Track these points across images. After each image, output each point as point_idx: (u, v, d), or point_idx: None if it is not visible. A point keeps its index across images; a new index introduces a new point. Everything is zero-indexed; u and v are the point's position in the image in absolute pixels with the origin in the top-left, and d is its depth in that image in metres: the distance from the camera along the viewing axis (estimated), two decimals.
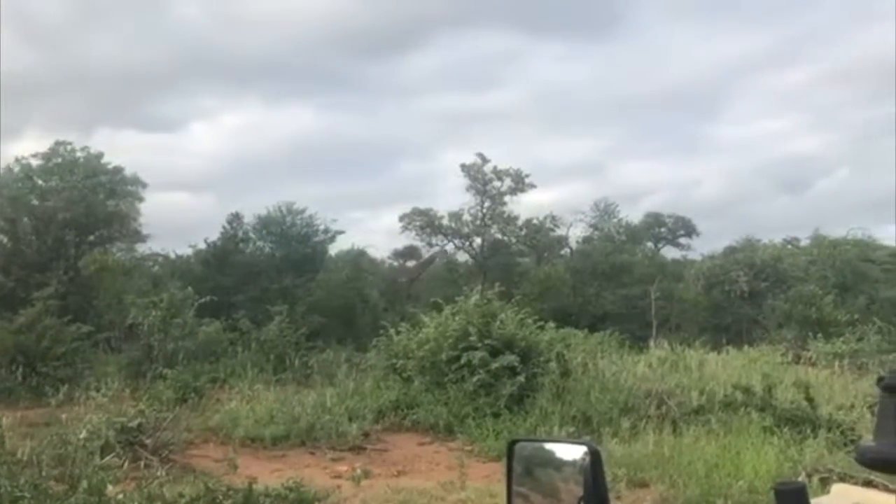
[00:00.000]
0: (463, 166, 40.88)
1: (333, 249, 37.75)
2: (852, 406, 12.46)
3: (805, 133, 64.24)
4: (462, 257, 43.33)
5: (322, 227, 35.96)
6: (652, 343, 22.66)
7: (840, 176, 61.77)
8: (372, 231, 65.25)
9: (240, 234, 34.26)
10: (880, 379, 2.29)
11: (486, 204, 41.38)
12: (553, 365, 14.67)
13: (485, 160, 40.86)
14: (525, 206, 42.64)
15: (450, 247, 42.46)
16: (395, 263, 52.35)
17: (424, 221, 40.78)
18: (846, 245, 37.81)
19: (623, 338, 23.54)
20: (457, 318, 15.23)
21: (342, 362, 19.59)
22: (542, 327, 17.21)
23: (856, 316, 26.64)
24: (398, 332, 16.67)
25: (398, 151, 63.03)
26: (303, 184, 59.09)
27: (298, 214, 35.72)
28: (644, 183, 65.31)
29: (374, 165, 61.76)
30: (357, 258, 36.53)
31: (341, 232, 36.66)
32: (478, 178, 40.67)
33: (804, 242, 42.84)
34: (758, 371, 15.95)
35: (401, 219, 41.06)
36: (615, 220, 47.64)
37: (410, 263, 48.07)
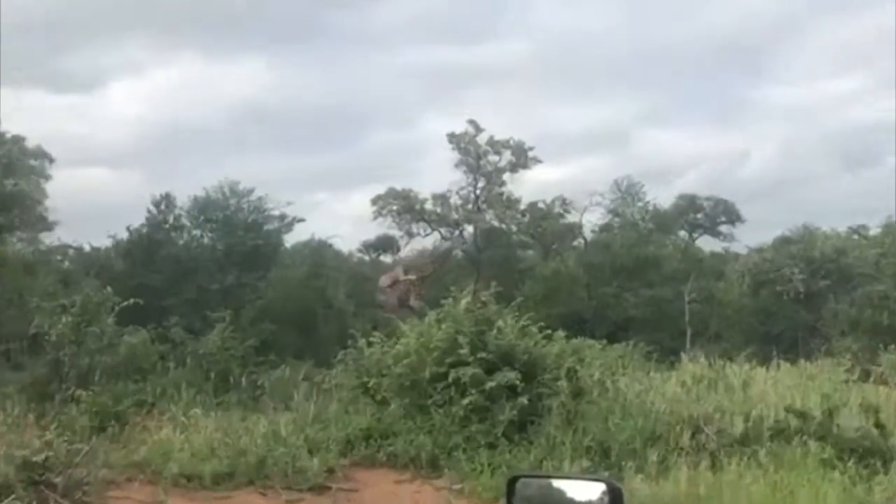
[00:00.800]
0: (451, 137, 40.90)
1: (290, 240, 37.76)
2: None
3: (877, 95, 64.80)
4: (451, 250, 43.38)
5: (275, 213, 35.95)
6: (685, 356, 22.74)
7: None
8: (338, 217, 65.30)
9: (171, 220, 34.14)
10: None
11: (480, 184, 41.43)
12: (563, 384, 14.69)
13: (478, 129, 40.89)
14: (529, 186, 42.77)
15: (435, 237, 42.46)
16: (367, 257, 52.41)
17: (403, 206, 40.77)
18: None
19: (650, 350, 23.71)
20: (443, 326, 15.23)
21: (300, 381, 19.54)
22: (549, 337, 17.17)
23: None
24: (370, 344, 16.65)
25: (370, 118, 63.14)
26: (251, 158, 59.01)
27: (245, 196, 35.64)
28: (677, 158, 65.62)
29: (339, 135, 61.83)
30: (319, 251, 36.53)
31: (300, 219, 36.67)
32: (469, 151, 40.71)
33: (874, 231, 43.18)
34: (816, 391, 16.06)
35: (374, 202, 41.06)
36: (640, 203, 47.88)
37: (386, 258, 48.09)
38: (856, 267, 35.28)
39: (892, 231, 39.66)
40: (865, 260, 36.03)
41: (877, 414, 12.65)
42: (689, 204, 54.04)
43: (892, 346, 23.27)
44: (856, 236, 44.22)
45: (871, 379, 20.29)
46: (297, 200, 48.50)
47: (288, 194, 51.27)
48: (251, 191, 35.57)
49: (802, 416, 12.78)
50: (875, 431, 12.25)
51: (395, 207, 40.88)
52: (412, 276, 29.42)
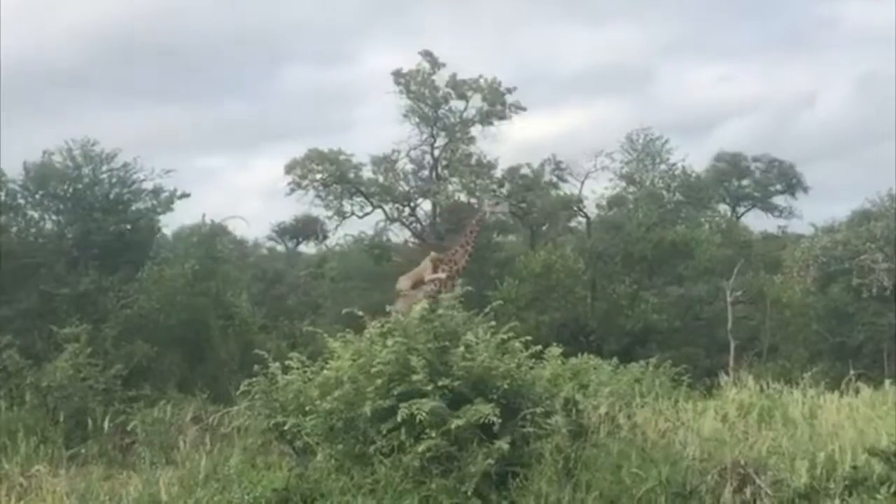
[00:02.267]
0: (397, 75, 40.87)
1: (170, 225, 37.35)
2: None
3: None
4: (399, 235, 43.47)
5: (149, 185, 35.57)
6: (728, 379, 22.98)
7: None
8: (240, 191, 65.12)
9: None
10: None
11: (440, 142, 41.53)
12: (558, 420, 14.76)
13: (435, 64, 40.95)
14: (509, 144, 43.05)
15: (376, 217, 42.48)
16: (282, 247, 52.33)
17: (331, 173, 40.69)
18: None
19: (679, 371, 23.82)
20: (389, 343, 15.19)
21: (188, 423, 19.46)
22: (539, 355, 17.23)
23: None
24: (286, 370, 16.56)
25: (284, 50, 62.99)
26: (112, 109, 58.36)
27: (105, 163, 35.15)
28: (716, 102, 66.03)
29: (241, 75, 61.35)
30: (213, 239, 36.24)
31: (184, 194, 36.30)
32: (423, 95, 40.72)
33: None
34: None
35: (289, 169, 40.95)
36: (664, 166, 48.41)
37: (308, 247, 48.00)
38: None
39: None
40: None
41: None
42: (732, 167, 54.73)
43: None
44: None
45: None
46: (180, 168, 48.33)
47: (167, 159, 51.10)
48: (113, 155, 35.03)
49: (891, 459, 12.96)
50: None
51: (319, 176, 40.78)
52: (442, 274, 29.00)
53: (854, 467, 13.19)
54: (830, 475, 13.14)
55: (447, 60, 40.90)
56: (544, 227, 45.90)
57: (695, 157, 50.51)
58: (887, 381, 21.69)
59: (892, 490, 12.33)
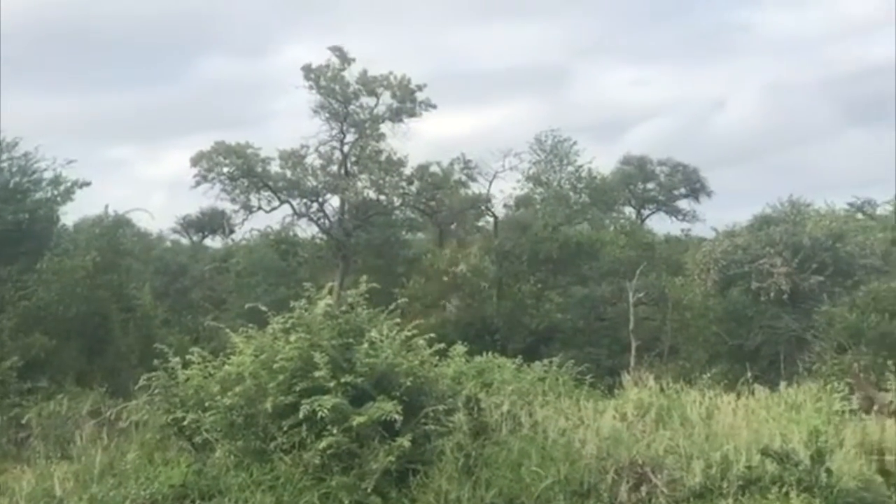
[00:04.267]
0: (307, 70, 40.62)
1: (71, 215, 36.72)
2: None
3: None
4: (307, 230, 43.24)
5: (48, 175, 34.91)
6: (629, 378, 23.23)
7: None
8: (148, 183, 64.24)
9: None
10: None
11: (349, 138, 41.36)
12: (460, 418, 14.82)
13: (346, 60, 40.75)
14: (419, 142, 43.11)
15: (285, 211, 42.21)
16: (187, 240, 51.68)
17: (238, 167, 40.33)
18: None
19: (581, 370, 24.00)
20: (292, 339, 15.16)
21: (85, 417, 19.13)
22: (443, 353, 17.28)
23: None
24: (187, 364, 16.44)
25: (199, 41, 62.30)
26: (15, 94, 57.15)
27: (5, 151, 34.50)
28: (627, 105, 66.78)
29: (152, 65, 60.48)
30: (115, 231, 35.68)
31: (84, 183, 35.71)
32: (333, 91, 40.53)
33: (883, 209, 45.05)
34: (802, 426, 16.60)
35: (195, 161, 40.46)
36: (571, 168, 48.77)
37: (213, 241, 47.52)
38: (858, 257, 36.54)
39: None
40: (871, 248, 37.40)
41: (882, 457, 13.15)
42: (638, 170, 55.32)
43: None
44: (860, 215, 46.03)
45: (876, 409, 21.10)
46: (84, 158, 47.52)
47: (71, 149, 50.18)
48: (14, 143, 34.41)
49: (783, 460, 13.20)
50: (878, 480, 12.76)
51: (226, 169, 40.40)
52: None
53: (748, 467, 13.43)
54: (725, 475, 13.36)
55: (362, 56, 40.83)
56: (452, 226, 45.96)
57: (603, 160, 51.00)
58: (783, 384, 22.11)
59: (784, 490, 12.59)
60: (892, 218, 42.34)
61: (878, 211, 45.56)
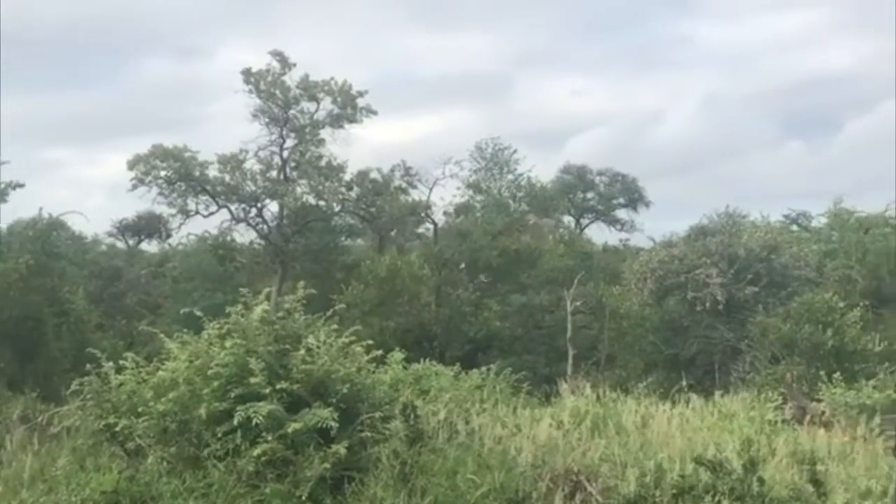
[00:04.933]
0: (247, 74, 40.42)
1: (4, 218, 36.29)
2: (885, 493, 13.36)
3: (836, 37, 68.25)
4: (245, 235, 42.98)
5: None
6: (565, 387, 23.35)
7: (889, 111, 66.04)
8: (85, 185, 63.46)
9: None
10: None
11: (289, 143, 41.20)
12: (397, 425, 14.79)
13: (286, 64, 40.62)
14: (360, 148, 42.97)
15: (223, 215, 41.93)
16: (122, 244, 51.12)
17: (175, 170, 40.02)
18: (885, 227, 40.54)
19: (519, 378, 24.09)
20: (228, 345, 15.03)
21: (15, 422, 18.88)
22: (381, 360, 17.24)
23: None
24: (120, 370, 16.23)
25: (139, 42, 61.66)
26: None
27: None
28: (568, 114, 67.06)
29: (90, 66, 59.76)
30: (49, 234, 35.32)
31: (17, 184, 35.31)
32: (273, 95, 40.37)
33: (818, 221, 45.72)
34: (735, 435, 16.80)
35: (132, 164, 40.08)
36: (511, 176, 48.92)
37: (149, 245, 47.05)
38: (793, 268, 37.00)
39: (841, 222, 41.97)
40: (805, 259, 37.90)
41: (813, 467, 13.30)
42: (578, 179, 55.69)
43: (838, 375, 24.55)
44: (794, 227, 46.70)
45: (808, 419, 21.38)
46: (19, 159, 46.80)
47: (4, 150, 49.38)
48: None
49: (716, 468, 13.30)
50: (810, 489, 12.90)
51: (163, 172, 40.10)
52: None
53: (682, 476, 13.51)
54: (659, 483, 13.44)
55: (303, 62, 40.86)
56: (392, 233, 45.93)
57: (543, 169, 51.25)
58: (717, 393, 22.36)
59: (717, 499, 12.69)
60: (826, 230, 42.94)
61: (813, 223, 46.29)
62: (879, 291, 36.16)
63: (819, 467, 13.43)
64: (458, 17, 61.49)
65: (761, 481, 13.08)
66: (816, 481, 12.96)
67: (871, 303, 34.39)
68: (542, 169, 51.92)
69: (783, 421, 20.50)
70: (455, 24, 62.39)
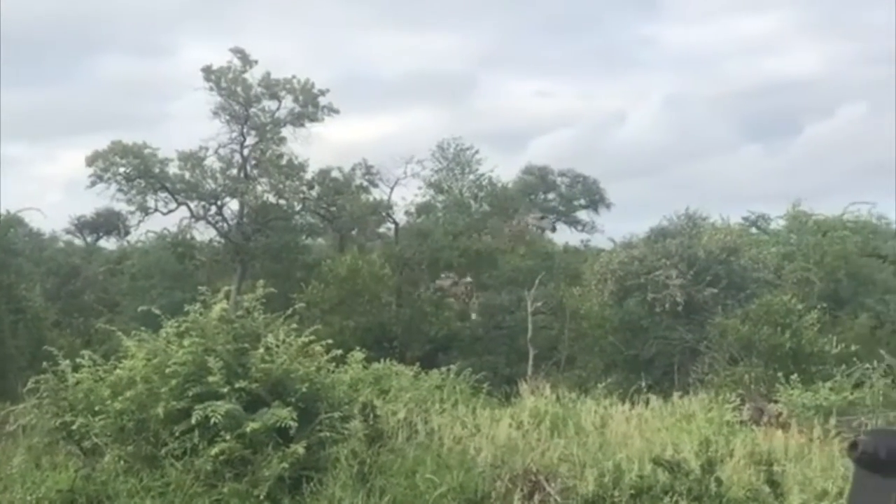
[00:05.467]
0: (207, 71, 40.22)
1: None
2: (840, 494, 13.47)
3: (797, 42, 68.88)
4: (204, 233, 42.77)
5: None
6: (526, 387, 23.40)
7: (848, 116, 66.78)
8: (38, 181, 62.84)
9: None
10: (852, 446, 2.48)
11: (250, 140, 41.04)
12: (356, 425, 14.79)
13: (248, 62, 40.45)
14: (321, 147, 42.89)
15: (183, 213, 41.71)
16: (81, 241, 50.74)
17: (135, 167, 39.76)
18: (843, 230, 40.93)
19: (479, 378, 24.13)
20: (186, 344, 14.98)
21: None
22: (341, 360, 17.23)
23: (854, 347, 28.88)
24: (77, 368, 16.11)
25: (99, 37, 61.15)
26: None
27: None
28: (530, 115, 67.12)
29: (50, 61, 59.32)
30: (5, 231, 35.04)
31: None
32: (234, 93, 40.20)
33: (776, 223, 46.06)
34: (694, 436, 16.90)
35: (91, 161, 39.78)
36: (472, 176, 48.93)
37: (108, 242, 46.73)
38: (752, 270, 37.28)
39: (799, 224, 42.35)
40: (764, 262, 38.20)
41: (770, 468, 13.39)
42: (539, 180, 55.77)
43: (796, 377, 24.76)
44: (754, 230, 47.02)
45: (766, 420, 21.55)
46: None
47: None
48: None
49: (674, 469, 13.38)
50: (767, 490, 12.99)
51: (122, 170, 39.84)
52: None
53: (640, 476, 13.57)
54: (617, 483, 13.49)
55: (266, 60, 40.66)
56: (353, 232, 45.84)
57: (505, 170, 51.40)
58: (676, 394, 22.50)
59: (675, 499, 12.75)
60: (785, 233, 43.28)
61: (772, 226, 46.61)
62: (836, 294, 36.49)
63: (776, 468, 13.52)
64: (423, 16, 61.59)
65: (719, 482, 13.16)
66: (773, 482, 13.05)
67: (829, 305, 34.66)
68: (505, 169, 52.13)
69: (741, 422, 20.64)
70: (420, 23, 62.45)
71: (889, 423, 20.22)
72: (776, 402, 23.42)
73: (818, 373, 26.41)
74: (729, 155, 65.31)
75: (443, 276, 39.16)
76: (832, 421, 19.30)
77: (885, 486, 2.38)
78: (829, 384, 24.17)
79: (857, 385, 24.60)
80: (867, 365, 25.76)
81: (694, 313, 35.45)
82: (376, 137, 59.20)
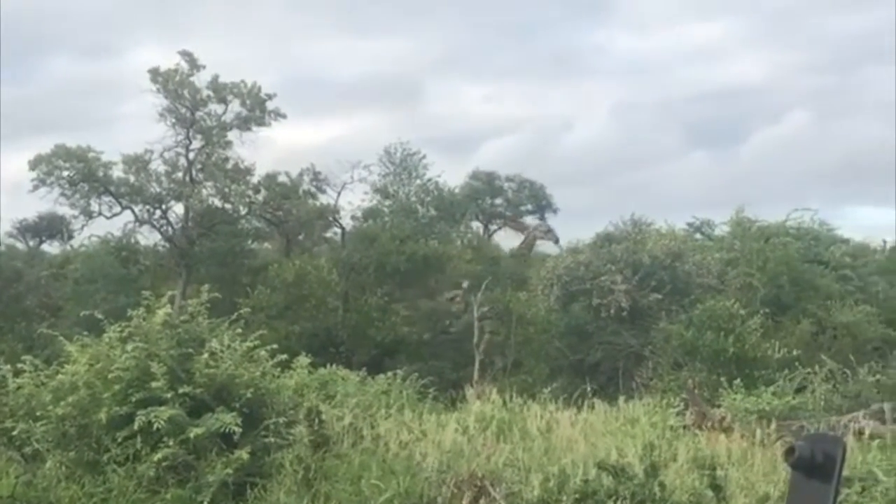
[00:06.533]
0: (154, 74, 39.92)
1: None
2: (782, 498, 13.60)
3: (743, 50, 69.59)
4: (149, 237, 42.42)
5: None
6: (472, 392, 23.43)
7: (794, 123, 67.57)
8: None
9: None
10: (789, 451, 2.50)
11: (196, 144, 40.77)
12: (302, 430, 14.74)
13: (195, 65, 40.20)
14: (267, 151, 42.67)
15: (127, 217, 41.34)
16: (22, 245, 50.11)
17: (79, 171, 39.37)
18: (785, 237, 41.34)
19: (425, 383, 24.13)
20: (129, 348, 14.88)
21: None
22: (287, 365, 17.16)
23: (795, 352, 29.18)
24: (18, 373, 15.97)
25: (44, 38, 60.31)
26: None
27: None
28: (479, 121, 67.23)
29: None
30: None
31: None
32: (181, 96, 39.92)
33: (720, 229, 46.42)
34: (638, 440, 16.98)
35: (34, 164, 39.35)
36: (419, 181, 48.90)
37: (51, 246, 46.20)
38: (696, 276, 37.53)
39: (743, 230, 42.74)
40: (708, 267, 38.47)
41: (713, 472, 13.50)
42: (486, 185, 55.76)
43: (739, 382, 25.00)
44: (698, 235, 47.34)
45: (709, 425, 21.71)
46: None
47: None
48: None
49: (618, 473, 13.45)
50: (710, 495, 13.10)
51: (66, 173, 39.44)
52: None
53: (585, 481, 13.63)
54: (562, 488, 13.54)
55: (215, 64, 40.46)
56: (300, 237, 45.67)
57: (452, 175, 51.38)
58: (621, 399, 22.58)
59: (618, 503, 12.81)
60: (729, 239, 43.61)
61: (716, 231, 46.90)
62: (779, 299, 36.79)
63: (719, 472, 13.62)
64: (373, 22, 61.58)
65: (662, 486, 13.26)
66: (716, 486, 13.16)
67: (771, 310, 34.95)
68: (454, 174, 52.03)
69: (685, 426, 20.76)
70: (370, 29, 62.51)
71: (830, 428, 20.47)
72: (719, 406, 23.61)
73: (761, 378, 26.66)
74: (676, 161, 65.89)
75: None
76: (773, 425, 19.51)
77: (822, 490, 2.40)
78: (771, 389, 24.42)
79: (799, 390, 24.91)
80: (809, 370, 26.11)
81: (639, 318, 35.60)
82: (326, 142, 59.17)
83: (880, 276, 42.10)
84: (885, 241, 48.84)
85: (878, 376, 24.31)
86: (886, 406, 21.41)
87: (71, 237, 44.98)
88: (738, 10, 68.14)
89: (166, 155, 40.41)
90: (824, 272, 39.62)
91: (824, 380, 25.34)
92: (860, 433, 19.18)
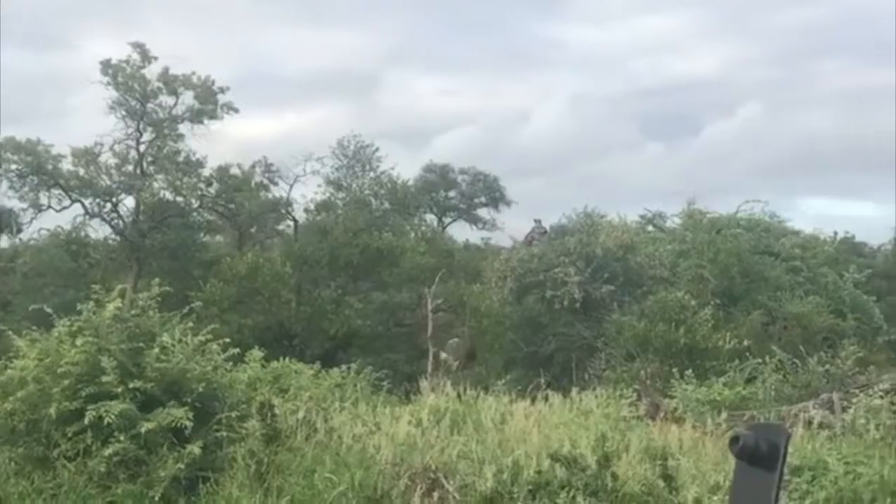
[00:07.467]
0: (105, 65, 39.60)
1: None
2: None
3: (698, 42, 70.04)
4: (99, 231, 42.09)
5: None
6: (426, 385, 23.44)
7: (746, 116, 68.09)
8: None
9: None
10: (734, 440, 2.52)
11: (146, 137, 40.52)
12: (254, 424, 14.68)
13: (146, 57, 39.91)
14: (219, 144, 42.38)
15: (77, 210, 40.98)
16: None
17: (28, 163, 38.98)
18: (736, 228, 41.74)
19: (379, 376, 24.13)
20: (79, 343, 14.73)
21: None
22: (239, 359, 17.11)
23: (746, 342, 29.47)
24: None
25: None
26: None
27: None
28: (435, 113, 67.33)
29: None
30: None
31: None
32: (132, 88, 39.63)
33: (672, 221, 46.79)
34: (591, 431, 17.06)
35: None
36: (373, 174, 48.81)
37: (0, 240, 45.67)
38: (648, 268, 37.78)
39: (695, 222, 43.06)
40: (660, 259, 38.74)
41: (665, 462, 13.60)
42: (440, 178, 55.94)
43: (690, 373, 25.21)
44: (650, 228, 47.68)
45: (661, 415, 21.88)
46: None
47: None
48: None
49: (571, 464, 13.52)
50: (661, 485, 13.20)
51: (15, 166, 39.04)
52: None
53: (538, 472, 13.68)
54: (515, 480, 13.59)
55: (168, 56, 40.20)
56: (252, 229, 45.52)
57: (406, 167, 51.46)
58: (575, 390, 22.68)
59: (571, 494, 12.87)
60: (681, 230, 43.94)
61: (668, 223, 47.26)
62: (730, 290, 37.14)
63: (671, 462, 13.74)
64: (327, 14, 61.52)
65: (615, 476, 13.34)
66: (668, 476, 13.27)
67: (722, 301, 35.32)
68: (408, 167, 52.01)
69: (637, 417, 20.90)
70: (325, 21, 62.29)
71: (780, 418, 20.70)
72: (671, 397, 23.81)
73: (712, 368, 26.92)
74: (630, 153, 66.33)
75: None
76: (723, 415, 19.68)
77: (766, 478, 2.42)
78: (722, 379, 24.68)
79: (750, 380, 25.17)
80: (759, 360, 26.37)
81: (592, 310, 35.80)
82: (280, 135, 58.90)
83: (830, 267, 42.56)
84: (835, 233, 49.56)
85: (827, 366, 24.53)
86: (835, 396, 21.66)
87: (20, 230, 44.45)
88: (692, 3, 68.56)
89: (117, 148, 40.21)
90: (775, 264, 40.03)
91: (774, 370, 25.59)
92: (810, 423, 19.37)
